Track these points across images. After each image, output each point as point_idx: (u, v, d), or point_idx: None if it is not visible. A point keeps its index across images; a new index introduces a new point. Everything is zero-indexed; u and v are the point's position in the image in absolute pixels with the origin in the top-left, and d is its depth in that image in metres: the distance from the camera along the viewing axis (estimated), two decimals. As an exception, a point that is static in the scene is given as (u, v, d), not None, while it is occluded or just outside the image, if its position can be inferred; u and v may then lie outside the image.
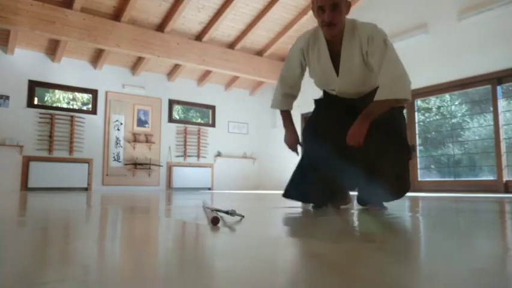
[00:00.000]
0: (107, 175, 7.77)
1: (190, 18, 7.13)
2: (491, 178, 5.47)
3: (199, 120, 9.67)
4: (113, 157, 7.88)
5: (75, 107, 9.01)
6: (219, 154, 9.27)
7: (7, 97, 6.95)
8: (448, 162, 6.08)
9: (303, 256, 0.80)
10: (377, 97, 1.74)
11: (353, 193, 2.14)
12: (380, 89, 1.75)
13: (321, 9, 1.76)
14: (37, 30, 5.97)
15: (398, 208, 2.08)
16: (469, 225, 1.36)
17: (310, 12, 7.20)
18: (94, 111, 7.84)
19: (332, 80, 1.94)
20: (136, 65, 8.10)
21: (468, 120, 6.37)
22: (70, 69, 7.60)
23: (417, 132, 6.40)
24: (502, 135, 5.33)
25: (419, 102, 6.47)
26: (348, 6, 1.81)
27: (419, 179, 6.25)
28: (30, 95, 7.19)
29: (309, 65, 2.02)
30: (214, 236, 1.08)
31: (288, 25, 7.67)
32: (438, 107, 6.63)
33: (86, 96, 8.30)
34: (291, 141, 2.13)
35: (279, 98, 2.19)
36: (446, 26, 5.91)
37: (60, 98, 9.58)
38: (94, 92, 7.88)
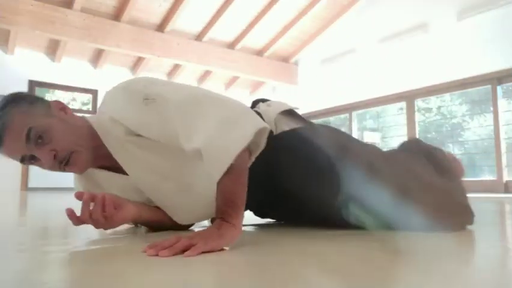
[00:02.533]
0: (107, 175, 7.77)
1: (190, 18, 7.12)
2: (491, 178, 5.47)
3: (199, 120, 9.65)
4: (113, 157, 7.88)
5: (75, 107, 8.99)
6: (219, 154, 9.24)
7: (7, 97, 6.96)
8: (448, 162, 6.07)
9: (303, 255, 0.80)
10: (213, 174, 0.89)
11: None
12: (205, 160, 0.91)
13: (25, 160, 1.09)
14: (37, 30, 5.97)
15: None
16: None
17: (311, 12, 7.23)
18: (94, 111, 7.83)
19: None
20: (136, 65, 8.09)
21: (468, 120, 6.37)
22: (70, 69, 7.59)
23: (417, 132, 6.40)
24: (502, 135, 5.33)
25: (419, 102, 6.47)
26: (61, 109, 1.12)
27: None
28: (31, 95, 7.19)
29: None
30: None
31: (288, 25, 7.66)
32: (439, 107, 6.63)
33: (86, 96, 8.30)
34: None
35: None
36: (446, 26, 5.91)
37: (61, 98, 9.58)
38: (94, 92, 7.88)
